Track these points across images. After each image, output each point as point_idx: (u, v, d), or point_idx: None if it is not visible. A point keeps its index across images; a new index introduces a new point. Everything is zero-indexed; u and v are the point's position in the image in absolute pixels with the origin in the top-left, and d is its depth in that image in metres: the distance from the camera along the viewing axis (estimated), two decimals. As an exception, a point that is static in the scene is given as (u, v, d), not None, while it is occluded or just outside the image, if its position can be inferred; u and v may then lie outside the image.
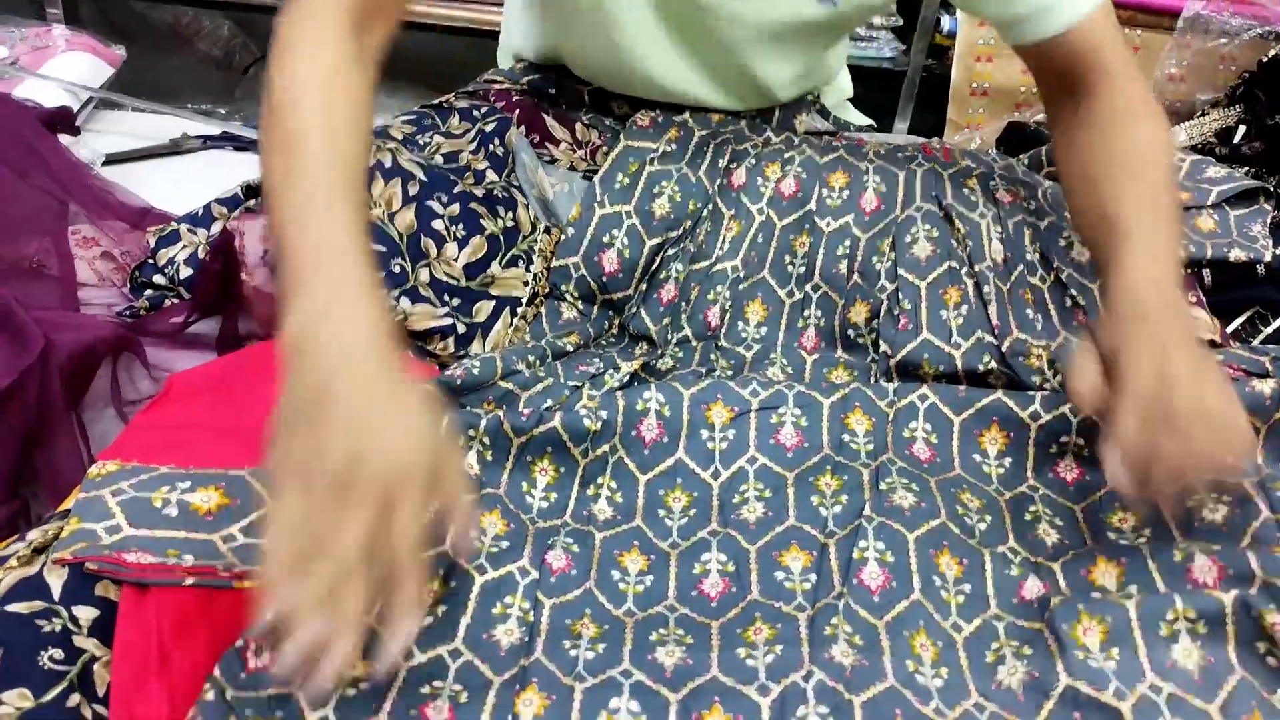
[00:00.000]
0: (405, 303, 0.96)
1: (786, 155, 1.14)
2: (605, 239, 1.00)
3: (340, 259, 0.65)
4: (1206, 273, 1.06)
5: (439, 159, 1.10)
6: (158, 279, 1.02)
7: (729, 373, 1.00)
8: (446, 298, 0.99)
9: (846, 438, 0.89)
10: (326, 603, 0.55)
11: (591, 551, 0.81)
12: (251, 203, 1.07)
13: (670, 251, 1.03)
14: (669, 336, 1.02)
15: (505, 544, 0.80)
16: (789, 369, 1.01)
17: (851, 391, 0.92)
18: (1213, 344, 0.98)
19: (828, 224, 1.09)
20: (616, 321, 1.00)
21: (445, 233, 1.02)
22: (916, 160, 1.15)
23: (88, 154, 1.31)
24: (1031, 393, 0.90)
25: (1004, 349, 0.94)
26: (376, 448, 0.58)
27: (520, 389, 0.90)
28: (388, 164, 1.04)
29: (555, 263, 1.02)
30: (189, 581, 0.69)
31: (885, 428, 0.89)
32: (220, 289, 0.97)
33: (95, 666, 0.64)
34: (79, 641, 0.65)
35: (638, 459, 0.88)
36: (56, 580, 0.67)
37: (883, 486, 0.83)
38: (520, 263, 1.02)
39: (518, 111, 1.19)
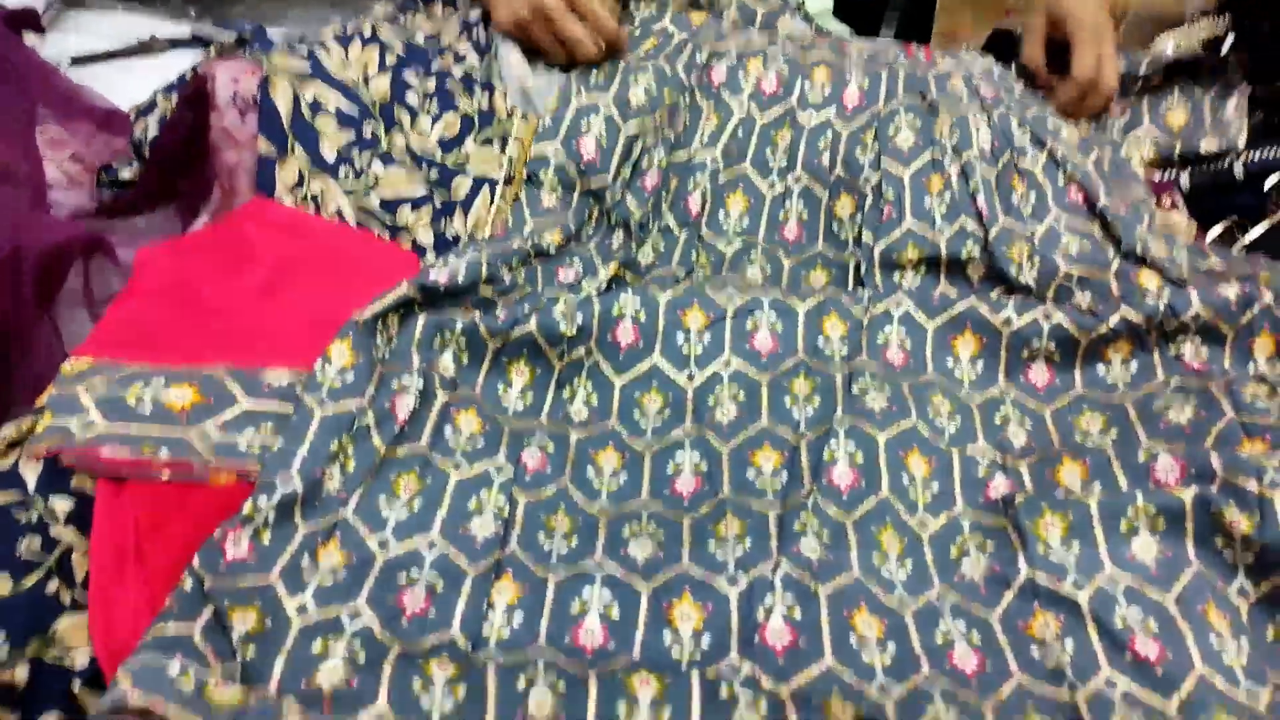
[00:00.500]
0: (378, 166, 0.95)
1: (769, 53, 1.13)
2: (583, 126, 1.00)
3: None
4: (1184, 178, 1.06)
5: (419, 37, 1.10)
6: (124, 174, 1.01)
7: (708, 270, 1.00)
8: (423, 168, 0.98)
9: (821, 342, 0.90)
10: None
11: (566, 450, 0.82)
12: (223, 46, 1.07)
13: (649, 140, 1.03)
14: (650, 224, 1.02)
15: (481, 442, 0.80)
16: (768, 269, 1.01)
17: (828, 298, 0.92)
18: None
19: (809, 117, 1.09)
20: (596, 210, 1.00)
21: (419, 106, 1.02)
22: (899, 60, 1.14)
23: (54, 54, 1.27)
24: (1005, 299, 0.91)
25: (989, 236, 0.94)
26: None
27: (499, 295, 0.90)
28: (367, 33, 1.04)
29: (533, 150, 1.01)
30: (165, 476, 0.70)
31: (859, 333, 0.90)
32: (187, 140, 0.95)
33: (74, 556, 0.65)
34: (56, 531, 0.65)
35: (613, 362, 0.88)
36: (31, 473, 0.67)
37: (855, 390, 0.84)
38: (494, 144, 1.02)
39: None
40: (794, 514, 0.75)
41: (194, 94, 0.96)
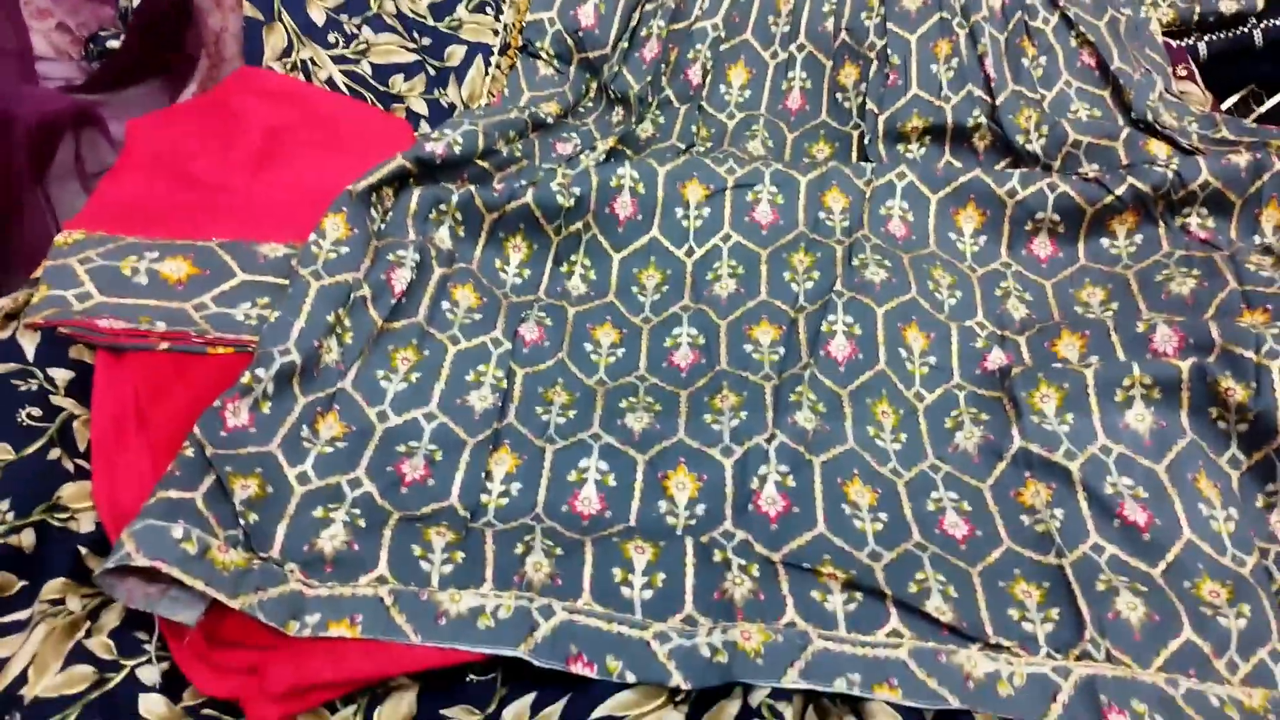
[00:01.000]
0: (368, 31, 0.93)
1: None
2: None
3: None
4: (1202, 46, 1.02)
5: None
6: (112, 45, 0.99)
7: (708, 144, 0.98)
8: (415, 35, 0.95)
9: (822, 215, 0.88)
10: None
11: (564, 325, 0.82)
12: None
13: (649, 7, 1.00)
14: (649, 98, 1.00)
15: (478, 316, 0.80)
16: (770, 143, 0.99)
17: (830, 170, 0.90)
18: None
19: None
20: (594, 84, 0.97)
21: None
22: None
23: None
24: (1010, 170, 0.89)
25: (997, 103, 0.92)
26: None
27: (496, 169, 0.88)
28: None
29: (530, 16, 0.98)
30: (163, 346, 0.70)
31: (862, 205, 0.88)
32: (171, 3, 0.92)
33: (74, 424, 0.66)
34: (56, 400, 0.66)
35: (612, 237, 0.87)
36: (30, 343, 0.67)
37: (855, 262, 0.83)
38: (488, 9, 0.99)
39: None
40: (790, 386, 0.75)
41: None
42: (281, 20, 0.89)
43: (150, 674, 0.59)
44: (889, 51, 0.97)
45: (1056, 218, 0.87)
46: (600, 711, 0.58)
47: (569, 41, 0.96)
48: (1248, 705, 0.58)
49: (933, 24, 0.97)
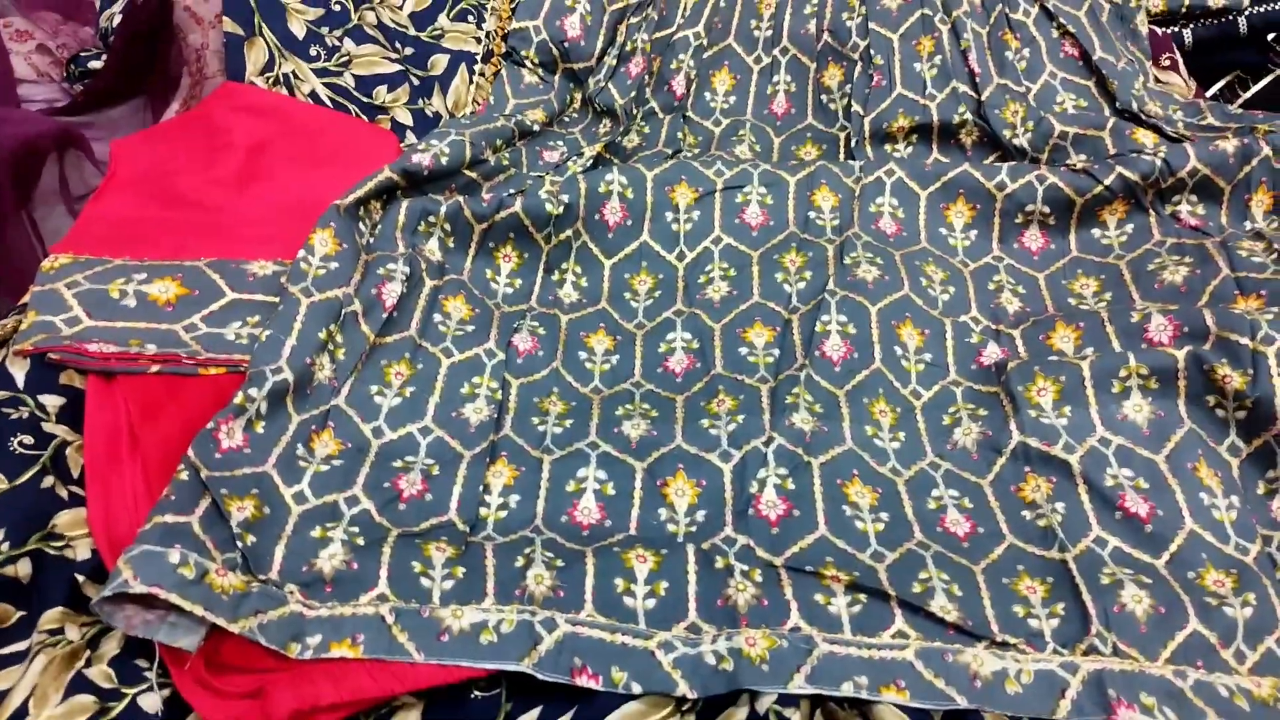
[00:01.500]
0: (350, 43, 0.92)
1: None
2: (568, 1, 0.96)
3: None
4: (1188, 34, 1.02)
5: None
6: (94, 65, 0.98)
7: (695, 150, 0.98)
8: (398, 45, 0.95)
9: (812, 214, 0.88)
10: None
11: (557, 333, 0.82)
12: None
13: (633, 20, 0.99)
14: (635, 110, 1.00)
15: (471, 328, 0.80)
16: (757, 147, 0.99)
17: (818, 168, 0.90)
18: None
19: None
20: (579, 96, 0.97)
21: None
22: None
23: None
24: (999, 164, 0.89)
25: (982, 98, 0.91)
26: None
27: (483, 179, 0.88)
28: None
29: (514, 24, 0.98)
30: (154, 369, 0.69)
31: (851, 203, 0.88)
32: (150, 23, 0.91)
33: (67, 451, 0.65)
34: (49, 428, 0.65)
35: (602, 244, 0.87)
36: (19, 371, 0.67)
37: (847, 261, 0.83)
38: (470, 18, 0.98)
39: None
40: (786, 388, 0.75)
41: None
42: (262, 35, 0.88)
43: (152, 701, 0.58)
44: (872, 52, 0.97)
45: (1047, 210, 0.86)
46: (607, 723, 0.58)
47: (554, 51, 0.96)
48: (1257, 694, 0.58)
49: (914, 21, 0.97)
